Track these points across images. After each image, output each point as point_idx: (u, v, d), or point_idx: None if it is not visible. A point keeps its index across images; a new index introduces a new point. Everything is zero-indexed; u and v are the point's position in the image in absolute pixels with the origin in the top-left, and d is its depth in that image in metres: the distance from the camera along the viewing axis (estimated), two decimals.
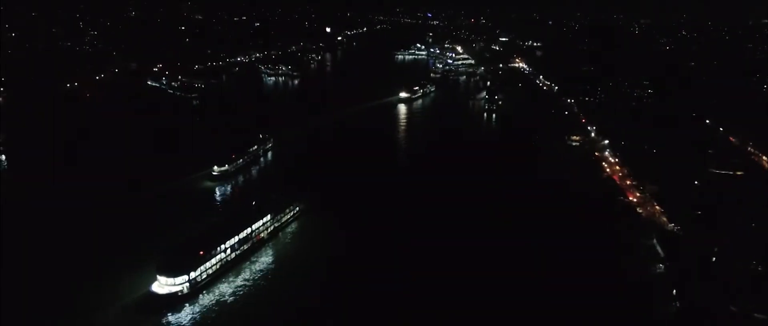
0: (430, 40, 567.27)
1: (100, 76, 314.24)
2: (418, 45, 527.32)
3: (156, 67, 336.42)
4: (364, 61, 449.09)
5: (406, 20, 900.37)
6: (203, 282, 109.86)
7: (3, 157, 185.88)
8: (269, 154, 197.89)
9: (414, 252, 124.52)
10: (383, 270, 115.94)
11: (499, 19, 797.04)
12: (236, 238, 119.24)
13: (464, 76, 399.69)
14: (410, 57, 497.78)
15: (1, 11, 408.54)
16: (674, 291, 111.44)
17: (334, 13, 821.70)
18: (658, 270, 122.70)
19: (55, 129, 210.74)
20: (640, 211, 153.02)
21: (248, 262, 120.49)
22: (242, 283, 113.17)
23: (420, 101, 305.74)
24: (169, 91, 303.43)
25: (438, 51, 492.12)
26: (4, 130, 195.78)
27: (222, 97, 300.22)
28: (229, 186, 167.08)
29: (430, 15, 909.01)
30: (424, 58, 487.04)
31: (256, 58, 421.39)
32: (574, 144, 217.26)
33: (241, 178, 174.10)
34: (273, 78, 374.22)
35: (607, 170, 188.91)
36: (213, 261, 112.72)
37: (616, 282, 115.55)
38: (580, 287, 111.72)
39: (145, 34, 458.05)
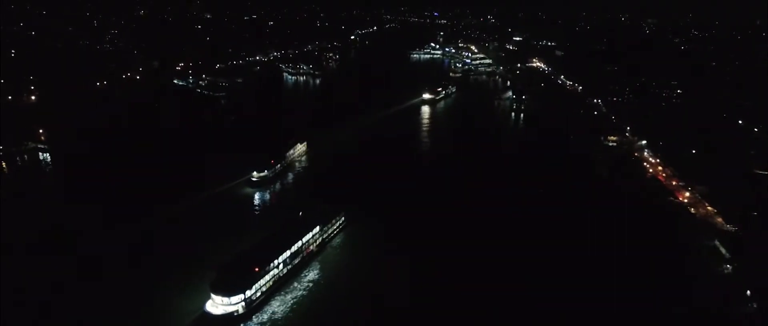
0: (441, 39, 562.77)
1: (126, 75, 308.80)
2: (433, 44, 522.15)
3: (178, 65, 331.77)
4: (381, 61, 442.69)
5: (413, 19, 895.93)
6: (258, 301, 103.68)
7: (47, 155, 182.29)
8: (304, 159, 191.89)
9: (463, 264, 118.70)
10: (432, 287, 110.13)
11: (507, 18, 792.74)
12: (288, 253, 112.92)
13: (484, 76, 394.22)
14: (426, 56, 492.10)
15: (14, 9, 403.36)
16: (748, 291, 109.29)
17: (340, 11, 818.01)
18: (726, 271, 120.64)
19: (94, 128, 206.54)
20: (693, 212, 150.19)
21: (298, 278, 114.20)
22: (295, 301, 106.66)
23: (442, 103, 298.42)
24: (196, 90, 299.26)
25: (453, 50, 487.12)
26: (46, 128, 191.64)
27: (249, 96, 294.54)
28: (268, 192, 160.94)
29: (436, 13, 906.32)
30: (439, 58, 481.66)
31: (274, 56, 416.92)
32: (611, 144, 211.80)
33: (278, 185, 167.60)
34: (294, 77, 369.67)
35: (650, 170, 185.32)
36: (267, 277, 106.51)
37: (687, 282, 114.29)
38: (652, 288, 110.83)
39: (162, 33, 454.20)
